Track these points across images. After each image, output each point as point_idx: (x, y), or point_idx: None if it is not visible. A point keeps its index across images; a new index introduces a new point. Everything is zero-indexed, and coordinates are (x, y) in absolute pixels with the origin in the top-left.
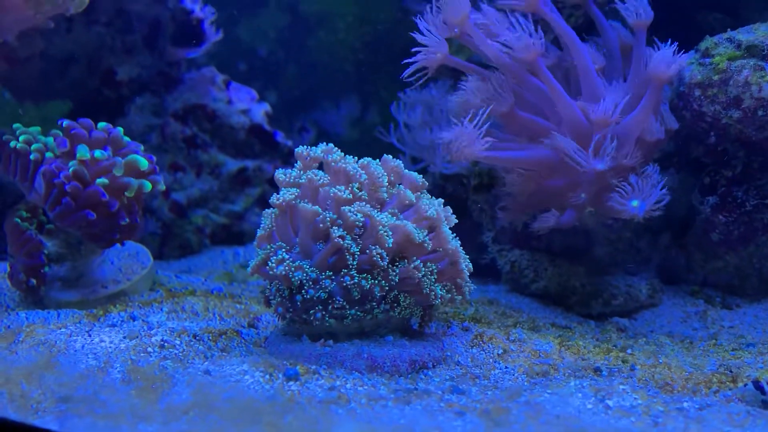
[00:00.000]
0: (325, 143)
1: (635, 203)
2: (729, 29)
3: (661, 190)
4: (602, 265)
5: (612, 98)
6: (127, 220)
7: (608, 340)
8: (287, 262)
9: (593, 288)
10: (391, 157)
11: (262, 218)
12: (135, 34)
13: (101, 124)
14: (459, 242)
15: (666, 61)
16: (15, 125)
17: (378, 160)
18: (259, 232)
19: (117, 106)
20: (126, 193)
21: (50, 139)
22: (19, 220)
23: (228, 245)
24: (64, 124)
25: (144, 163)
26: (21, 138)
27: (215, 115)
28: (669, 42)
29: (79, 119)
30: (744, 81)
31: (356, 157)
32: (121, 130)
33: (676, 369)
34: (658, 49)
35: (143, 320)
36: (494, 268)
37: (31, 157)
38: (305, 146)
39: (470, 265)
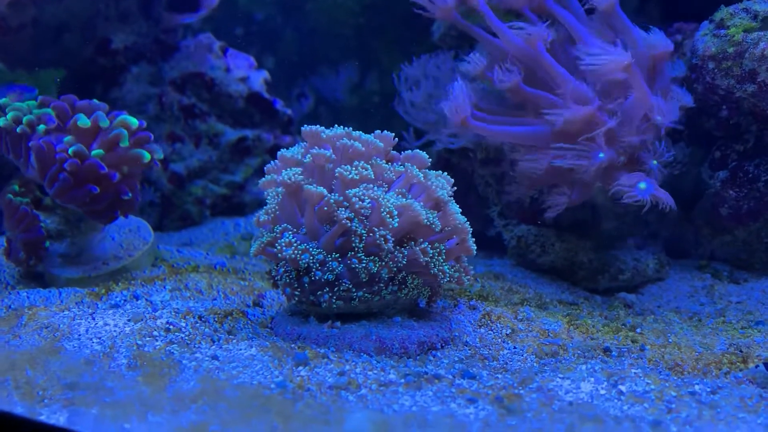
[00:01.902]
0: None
1: (642, 185)
2: None
3: (671, 167)
4: (609, 239)
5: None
6: (130, 195)
7: (617, 317)
8: (294, 245)
9: (600, 263)
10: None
11: (266, 199)
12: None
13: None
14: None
15: (663, 37)
16: (2, 101)
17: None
18: (263, 217)
19: (112, 76)
20: (144, 159)
21: (46, 110)
22: (11, 196)
23: (228, 216)
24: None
25: (134, 122)
26: (9, 115)
27: (213, 84)
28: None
29: (62, 95)
30: (760, 54)
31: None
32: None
33: (686, 349)
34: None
35: (146, 299)
36: (499, 241)
37: (18, 130)
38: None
39: (474, 246)
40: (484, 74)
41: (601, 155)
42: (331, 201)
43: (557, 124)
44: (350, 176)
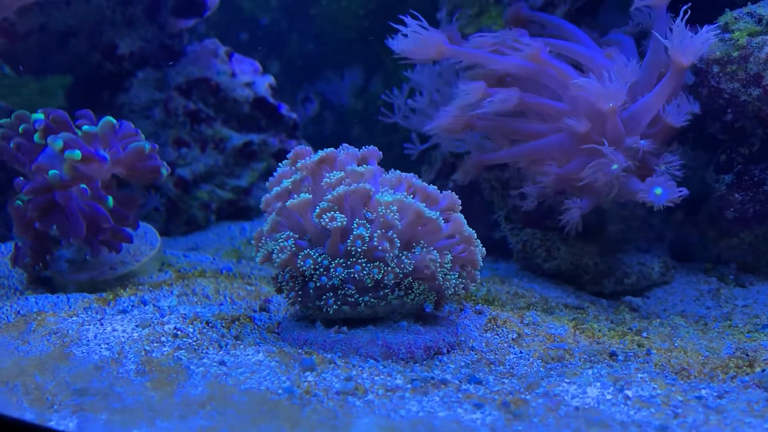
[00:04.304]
0: None
1: (658, 191)
2: (749, 2)
3: (679, 172)
4: (615, 243)
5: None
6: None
7: (622, 321)
8: (287, 251)
9: (606, 266)
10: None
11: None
12: (136, 5)
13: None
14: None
15: (690, 46)
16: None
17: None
18: (266, 227)
19: (119, 81)
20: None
21: (40, 116)
22: (20, 203)
23: (234, 221)
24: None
25: (146, 146)
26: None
27: (219, 89)
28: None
29: (77, 111)
30: (765, 58)
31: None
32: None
33: (692, 353)
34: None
35: (154, 305)
36: (504, 245)
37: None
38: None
39: (483, 251)
40: (485, 95)
41: (615, 167)
42: (320, 207)
43: (582, 95)
44: (334, 179)
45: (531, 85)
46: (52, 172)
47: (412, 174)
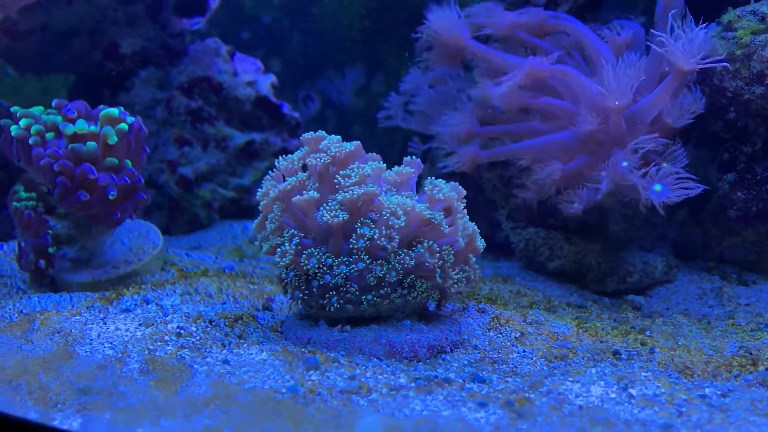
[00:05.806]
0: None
1: (657, 188)
2: (752, 0)
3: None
4: (618, 242)
5: (622, 82)
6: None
7: (625, 320)
8: (290, 252)
9: (608, 265)
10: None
11: (273, 208)
12: (137, 4)
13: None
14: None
15: (688, 52)
16: (13, 108)
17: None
18: (269, 226)
19: (120, 80)
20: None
21: (52, 118)
22: (16, 203)
23: (237, 219)
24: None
25: (115, 112)
26: (21, 123)
27: (221, 88)
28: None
29: (73, 101)
30: None
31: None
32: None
33: (695, 352)
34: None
35: (157, 304)
36: (507, 244)
37: (30, 141)
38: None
39: (483, 242)
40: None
41: (625, 164)
42: (329, 206)
43: (591, 104)
44: (350, 180)
45: (533, 83)
46: (90, 143)
47: (414, 168)
